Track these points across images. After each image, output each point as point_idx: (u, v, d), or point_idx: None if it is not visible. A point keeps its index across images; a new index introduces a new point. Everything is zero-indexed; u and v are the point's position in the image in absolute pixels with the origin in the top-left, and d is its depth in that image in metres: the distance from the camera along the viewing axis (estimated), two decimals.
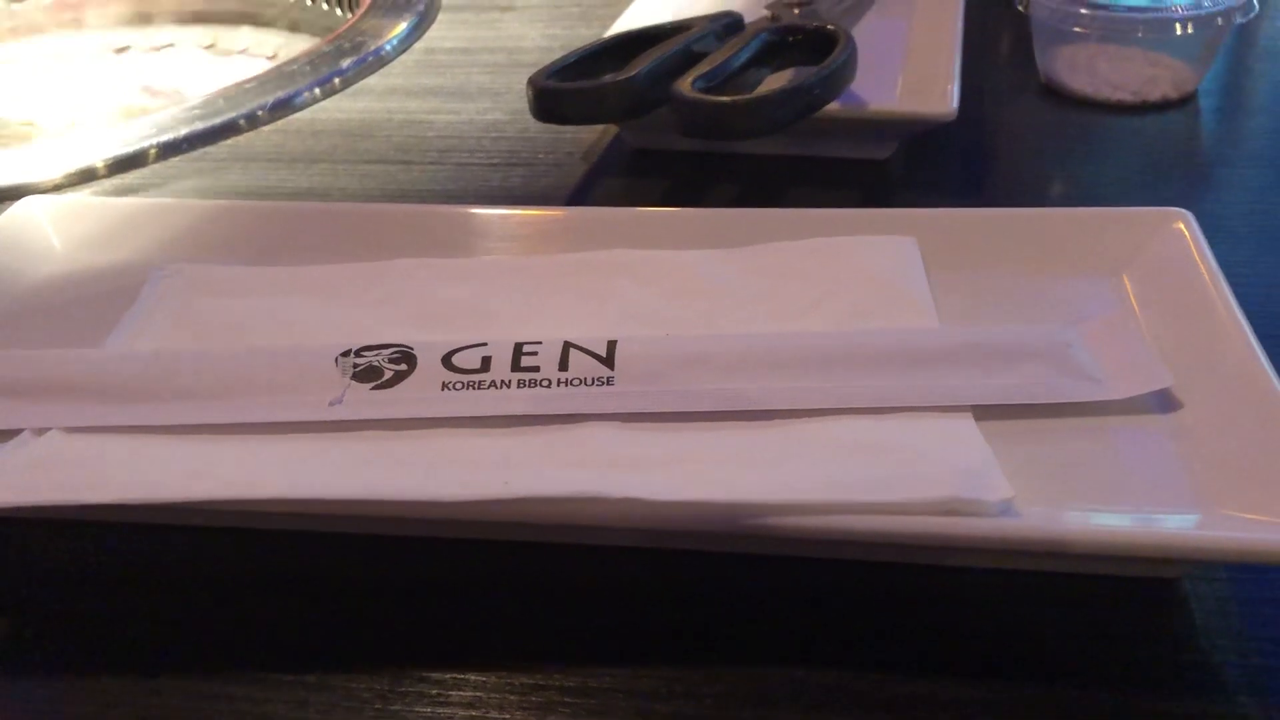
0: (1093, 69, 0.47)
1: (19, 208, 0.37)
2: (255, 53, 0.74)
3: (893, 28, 0.50)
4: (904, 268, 0.31)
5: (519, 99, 0.50)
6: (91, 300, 0.33)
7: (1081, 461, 0.25)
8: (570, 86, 0.39)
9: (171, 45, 0.76)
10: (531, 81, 0.40)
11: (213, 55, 0.73)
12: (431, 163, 0.46)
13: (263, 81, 0.52)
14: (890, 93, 0.43)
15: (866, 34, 0.46)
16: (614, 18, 0.52)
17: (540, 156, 0.45)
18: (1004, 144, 0.46)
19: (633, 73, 0.39)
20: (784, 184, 0.43)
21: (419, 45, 0.58)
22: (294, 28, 0.76)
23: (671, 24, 0.45)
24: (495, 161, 0.45)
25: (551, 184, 0.43)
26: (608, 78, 0.39)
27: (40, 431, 0.27)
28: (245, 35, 0.76)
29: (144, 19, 0.78)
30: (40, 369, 0.28)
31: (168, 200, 0.37)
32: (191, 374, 0.28)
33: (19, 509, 0.24)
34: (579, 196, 0.42)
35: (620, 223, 0.35)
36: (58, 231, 0.36)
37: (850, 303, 0.30)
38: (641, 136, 0.45)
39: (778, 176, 0.43)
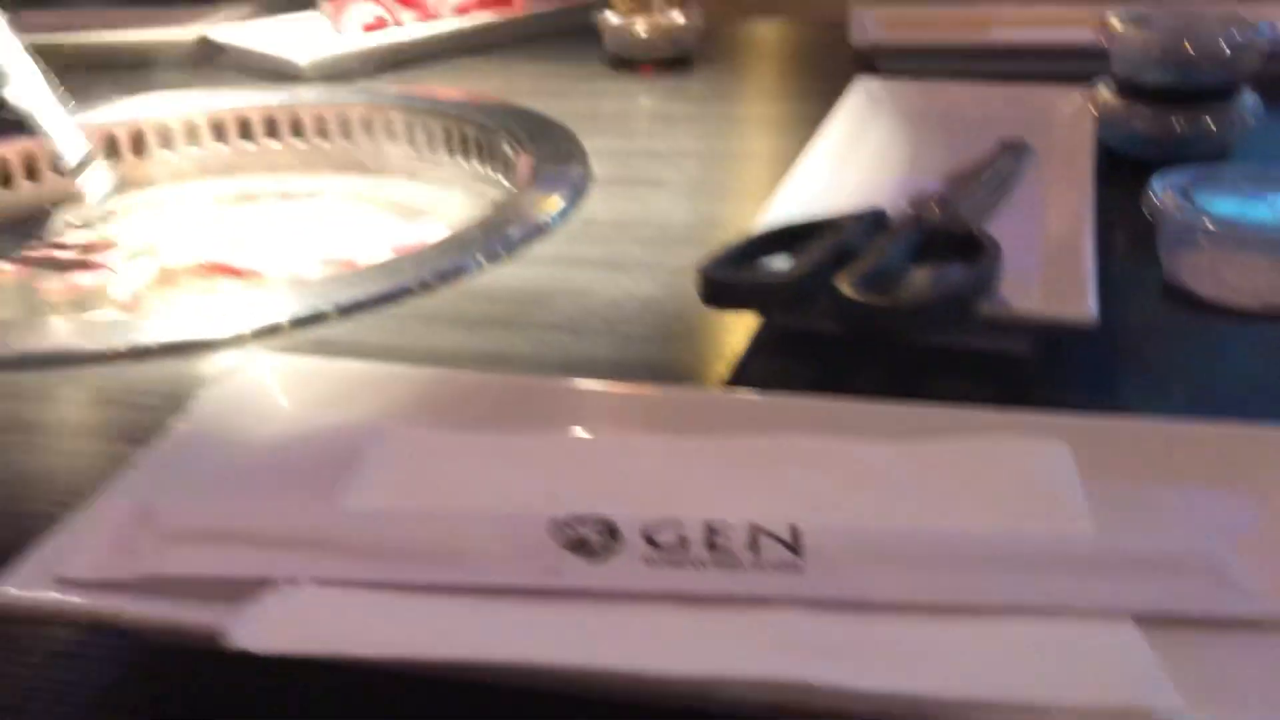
0: (1218, 275, 0.50)
1: (250, 364, 0.42)
2: (412, 205, 0.80)
3: (1027, 225, 0.53)
4: (1059, 473, 0.34)
5: (673, 273, 0.55)
6: (318, 457, 0.37)
7: (1240, 674, 0.28)
8: (739, 279, 0.44)
9: (329, 193, 0.83)
10: (702, 270, 0.44)
11: (370, 206, 0.80)
12: (599, 332, 0.50)
13: (439, 249, 0.58)
14: (1031, 293, 0.46)
15: (1002, 230, 0.49)
16: (751, 194, 0.56)
17: (698, 331, 0.49)
18: (1132, 343, 0.49)
19: (796, 270, 0.43)
20: (925, 372, 0.46)
21: (577, 216, 0.63)
22: (444, 180, 0.83)
23: (825, 219, 0.49)
24: (657, 334, 0.49)
25: (711, 359, 0.47)
26: (773, 273, 0.44)
27: (290, 581, 0.31)
28: (405, 187, 0.83)
29: (307, 166, 0.86)
30: (287, 521, 0.32)
31: (386, 366, 0.42)
32: (422, 535, 0.32)
33: (291, 656, 0.28)
34: (739, 376, 0.46)
35: (784, 410, 0.38)
36: (285, 389, 0.41)
37: (1011, 504, 0.33)
38: (794, 320, 0.49)
39: (918, 364, 0.46)
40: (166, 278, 0.66)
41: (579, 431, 0.38)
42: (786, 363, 0.47)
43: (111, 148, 0.82)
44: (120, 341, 0.49)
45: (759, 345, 0.48)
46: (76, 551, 0.31)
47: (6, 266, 0.71)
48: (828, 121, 0.67)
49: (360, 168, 0.85)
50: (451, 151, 0.82)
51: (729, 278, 0.44)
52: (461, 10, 0.99)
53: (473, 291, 0.54)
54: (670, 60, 0.92)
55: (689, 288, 0.52)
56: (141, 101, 0.85)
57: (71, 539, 0.32)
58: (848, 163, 0.63)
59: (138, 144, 0.83)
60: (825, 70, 0.92)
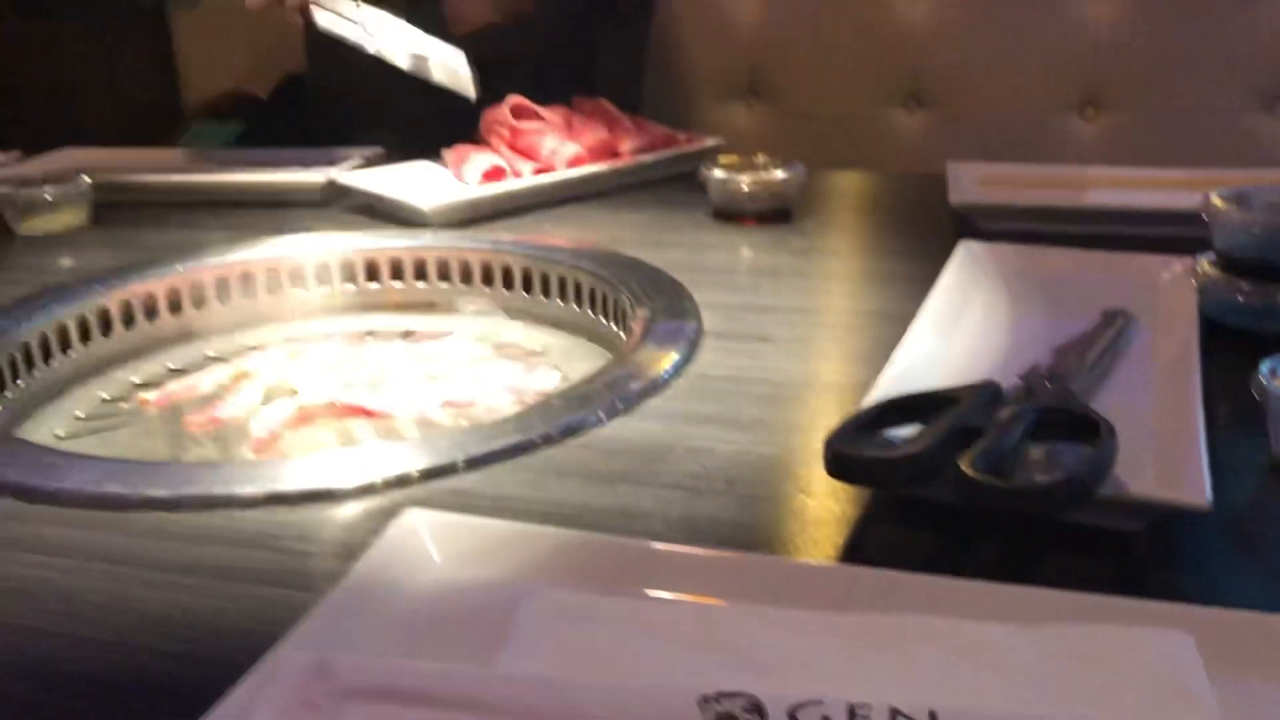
0: None
1: (404, 520, 0.45)
2: (528, 347, 0.84)
3: (1136, 401, 0.55)
4: (1186, 665, 0.35)
5: (788, 432, 0.57)
6: (473, 615, 0.40)
7: None
8: (864, 455, 0.46)
9: (450, 334, 0.88)
10: (828, 444, 0.46)
11: (487, 349, 0.84)
12: (719, 492, 0.52)
13: (563, 402, 0.61)
14: (1144, 476, 0.47)
15: (1112, 405, 0.51)
16: (859, 355, 0.59)
17: (817, 494, 0.51)
18: (1243, 524, 0.50)
19: (918, 447, 0.45)
20: (1040, 546, 0.47)
21: (691, 370, 0.66)
22: (557, 325, 0.87)
23: (942, 392, 0.51)
24: (774, 495, 0.52)
25: (829, 523, 0.49)
26: (896, 450, 0.46)
27: None
28: (521, 330, 0.87)
29: (430, 307, 0.91)
30: (452, 684, 0.35)
31: (529, 526, 0.44)
32: (577, 704, 0.34)
33: None
34: (856, 542, 0.48)
35: (908, 588, 0.40)
36: (437, 545, 0.43)
37: (1139, 695, 0.34)
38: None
39: (1033, 538, 0.48)
40: (303, 416, 0.70)
41: (714, 599, 0.40)
42: (904, 531, 0.49)
43: (248, 285, 0.88)
44: (262, 487, 0.53)
45: (877, 512, 0.50)
46: (262, 702, 0.34)
47: (151, 395, 0.76)
48: (932, 285, 0.70)
49: (479, 310, 0.89)
50: (565, 298, 0.86)
51: (854, 452, 0.46)
52: (574, 162, 1.05)
53: (595, 445, 0.57)
54: (772, 212, 0.96)
55: (805, 448, 0.55)
56: (277, 242, 0.91)
57: (257, 689, 0.34)
58: (955, 328, 0.66)
59: (273, 282, 0.89)
60: (923, 225, 0.95)
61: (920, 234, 0.92)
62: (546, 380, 0.78)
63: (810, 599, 0.40)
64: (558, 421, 0.59)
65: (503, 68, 1.21)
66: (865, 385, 0.61)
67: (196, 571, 0.47)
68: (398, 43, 1.03)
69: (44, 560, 0.48)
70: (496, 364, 0.80)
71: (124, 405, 0.75)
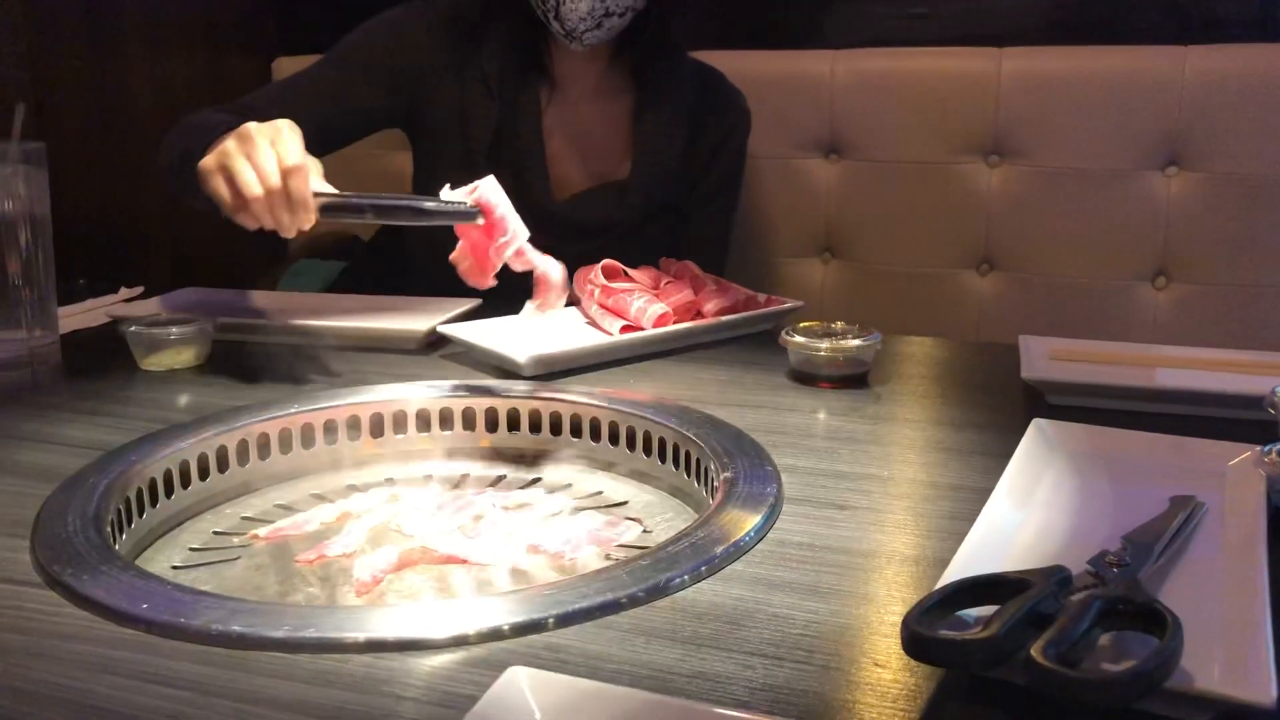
0: None
1: (508, 677, 0.48)
2: (610, 498, 0.89)
3: (1204, 592, 0.57)
4: None
5: (866, 604, 0.60)
6: None
7: None
8: (939, 637, 0.49)
9: (538, 481, 0.92)
10: (906, 624, 0.49)
11: (573, 499, 0.88)
12: (799, 661, 0.55)
13: (650, 564, 0.65)
14: (1211, 670, 0.49)
15: (1179, 595, 0.54)
16: (934, 527, 0.62)
17: (891, 668, 0.54)
18: None
19: (992, 632, 0.48)
20: None
21: (771, 535, 0.70)
22: (641, 478, 0.91)
23: (1015, 576, 0.54)
24: (852, 667, 0.54)
25: (904, 698, 0.51)
26: (972, 635, 0.49)
27: None
28: (602, 481, 0.91)
29: (517, 456, 0.96)
30: None
31: (632, 692, 0.48)
32: None
33: None
34: (929, 716, 0.50)
35: None
36: (538, 704, 0.47)
37: None
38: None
39: None
40: (403, 562, 0.75)
41: None
42: (976, 710, 0.51)
43: (354, 429, 0.94)
44: (370, 633, 0.57)
45: (950, 688, 0.52)
46: None
47: (261, 531, 0.82)
48: (1004, 459, 0.74)
49: (565, 460, 0.94)
50: (649, 452, 0.90)
51: (930, 633, 0.49)
52: (660, 321, 1.11)
53: (680, 607, 0.61)
54: (848, 377, 1.01)
55: (880, 620, 0.58)
56: (382, 389, 0.97)
57: None
58: (1027, 505, 0.69)
59: (376, 426, 0.95)
60: (996, 396, 0.99)
61: (992, 405, 0.96)
62: (629, 533, 0.81)
63: None
64: (645, 582, 0.62)
65: (599, 228, 1.29)
66: (939, 560, 0.64)
67: (313, 713, 0.51)
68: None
69: (175, 694, 0.53)
70: (582, 516, 0.84)
71: (235, 539, 0.81)
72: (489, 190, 0.95)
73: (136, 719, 0.51)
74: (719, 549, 0.66)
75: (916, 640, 0.49)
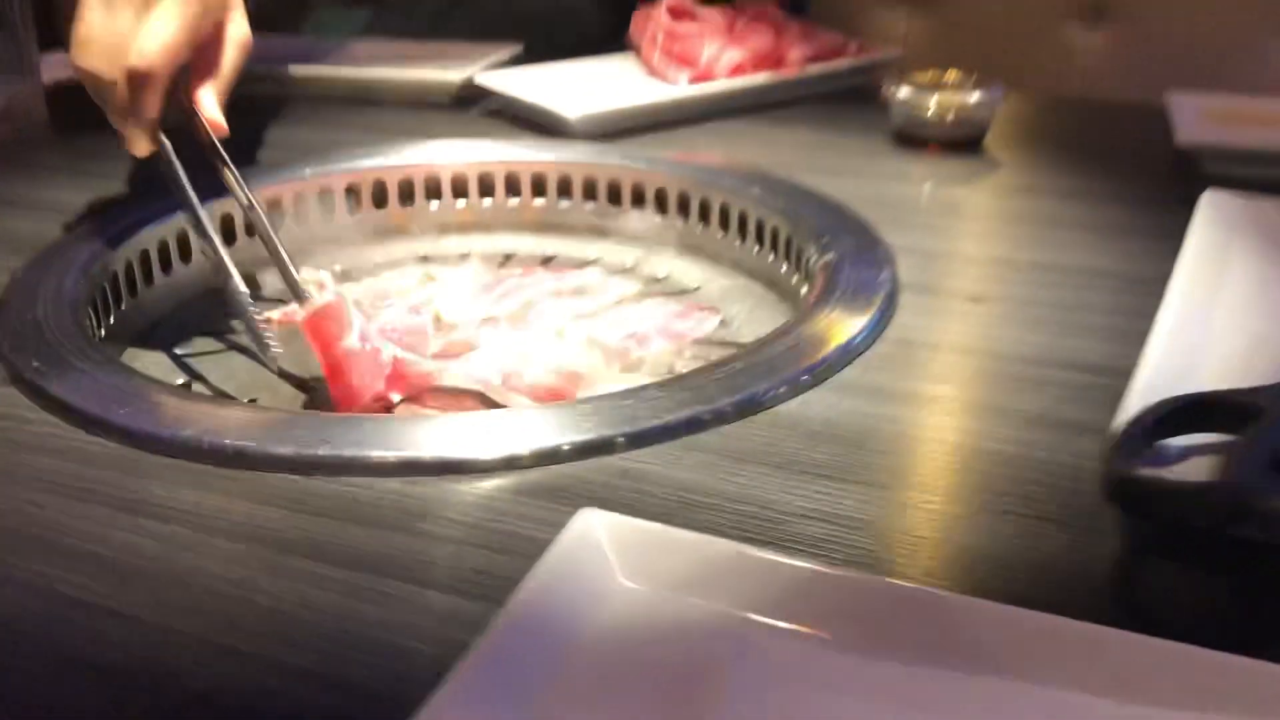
0: None
1: (580, 520, 0.37)
2: (681, 282, 0.75)
3: None
4: None
5: (1028, 425, 0.47)
6: (671, 659, 0.32)
7: None
8: (1161, 482, 0.36)
9: (595, 261, 0.79)
10: (1111, 466, 0.37)
11: (637, 282, 0.75)
12: (950, 497, 0.43)
13: (740, 365, 0.52)
14: None
15: None
16: (1091, 325, 0.50)
17: (1067, 507, 0.42)
18: None
19: (1229, 476, 0.35)
20: None
21: (889, 334, 0.56)
22: (716, 258, 0.77)
23: (1233, 395, 0.41)
24: (1016, 506, 0.42)
25: (1093, 549, 0.39)
26: (1203, 481, 0.36)
27: None
28: (674, 263, 0.78)
29: (572, 229, 0.82)
30: None
31: (734, 546, 0.36)
32: None
33: None
34: (1128, 581, 0.38)
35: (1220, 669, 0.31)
36: (621, 560, 0.35)
37: None
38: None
39: None
40: (444, 353, 0.63)
41: (982, 667, 0.31)
42: (1191, 574, 0.39)
43: (380, 195, 0.81)
44: (400, 452, 0.45)
45: (1151, 541, 0.40)
46: None
47: (275, 314, 0.70)
48: (1160, 238, 0.60)
49: (627, 236, 0.80)
50: (727, 228, 0.76)
51: (1147, 480, 0.36)
52: (735, 71, 0.94)
53: (780, 424, 0.48)
54: (962, 139, 0.85)
55: (1050, 447, 0.45)
56: (411, 149, 0.83)
57: None
58: (1216, 303, 0.55)
59: (405, 192, 0.81)
60: (1137, 164, 0.83)
61: (1135, 175, 0.80)
62: (706, 325, 0.69)
63: (1090, 672, 0.31)
64: (737, 393, 0.50)
65: None
66: (1112, 369, 0.51)
67: (329, 558, 0.40)
68: None
69: (155, 528, 0.42)
70: (649, 303, 0.71)
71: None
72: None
73: (108, 562, 0.40)
74: (826, 350, 0.53)
75: (1127, 486, 0.36)
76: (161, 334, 0.68)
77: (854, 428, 0.48)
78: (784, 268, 0.72)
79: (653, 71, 0.98)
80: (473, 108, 0.96)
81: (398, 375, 0.57)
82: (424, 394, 0.58)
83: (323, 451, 0.45)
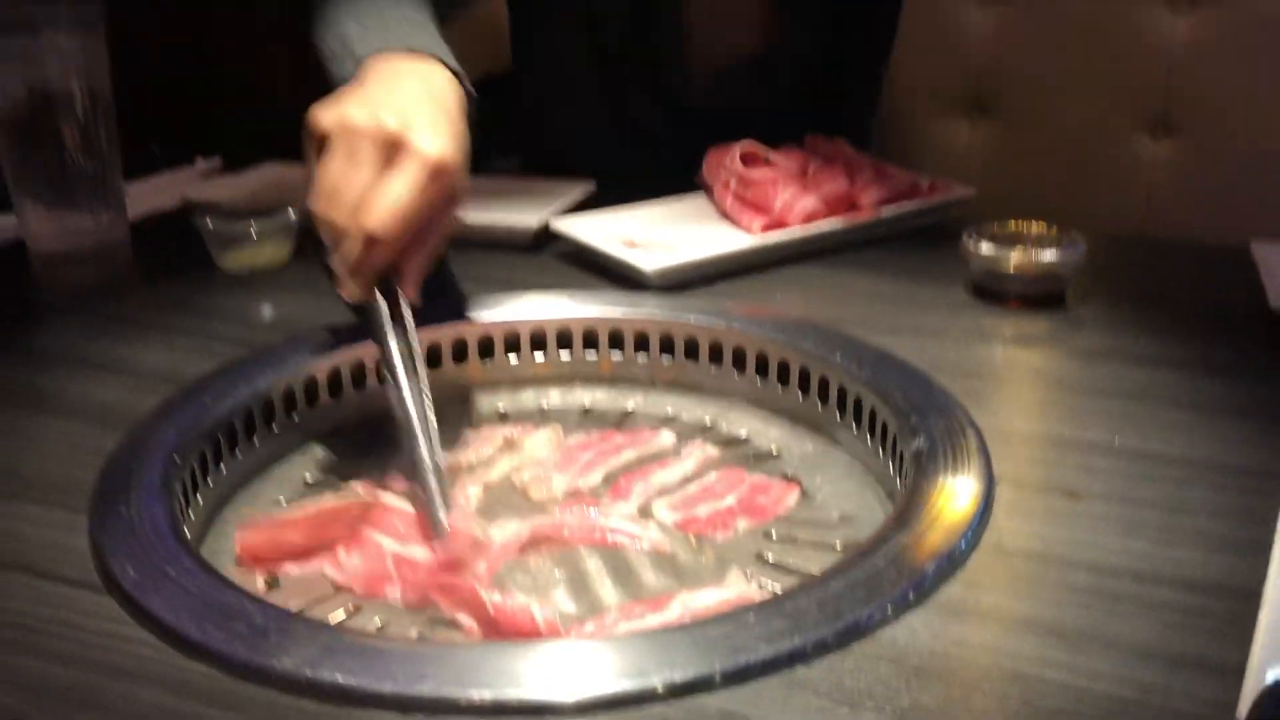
0: None
1: None
2: (758, 444, 0.75)
3: None
4: None
5: (1141, 661, 0.45)
6: None
7: None
8: None
9: (672, 419, 0.78)
10: None
11: (715, 445, 0.74)
12: None
13: (839, 582, 0.50)
14: None
15: None
16: (1208, 537, 0.47)
17: None
18: None
19: None
20: None
21: (988, 538, 0.55)
22: (793, 418, 0.76)
23: None
24: None
25: None
26: None
27: None
28: (746, 419, 0.77)
29: (627, 380, 0.82)
30: None
31: None
32: None
33: None
34: None
35: None
36: None
37: None
38: None
39: None
40: (533, 537, 0.62)
41: None
42: None
43: (461, 351, 0.81)
44: (493, 692, 0.44)
45: None
46: None
47: (359, 481, 0.70)
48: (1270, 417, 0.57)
49: (705, 390, 0.80)
50: (806, 391, 0.75)
51: None
52: (809, 218, 0.94)
53: (887, 655, 0.47)
54: (1043, 295, 0.84)
55: (1158, 688, 0.44)
56: (492, 301, 0.83)
57: None
58: None
59: (485, 348, 0.82)
60: (1233, 320, 0.81)
61: (1227, 338, 0.78)
62: (788, 499, 0.68)
63: None
64: (839, 618, 0.48)
65: (741, 118, 1.08)
66: (1223, 587, 0.49)
67: None
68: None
69: None
70: (729, 474, 0.70)
71: (330, 493, 0.69)
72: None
73: None
74: (928, 565, 0.52)
75: None
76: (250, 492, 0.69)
77: (960, 662, 0.46)
78: (869, 440, 0.70)
79: (725, 215, 0.99)
80: (551, 248, 0.97)
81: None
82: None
83: (424, 690, 0.45)
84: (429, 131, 0.67)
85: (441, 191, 0.68)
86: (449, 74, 0.77)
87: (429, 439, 0.63)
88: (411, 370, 0.66)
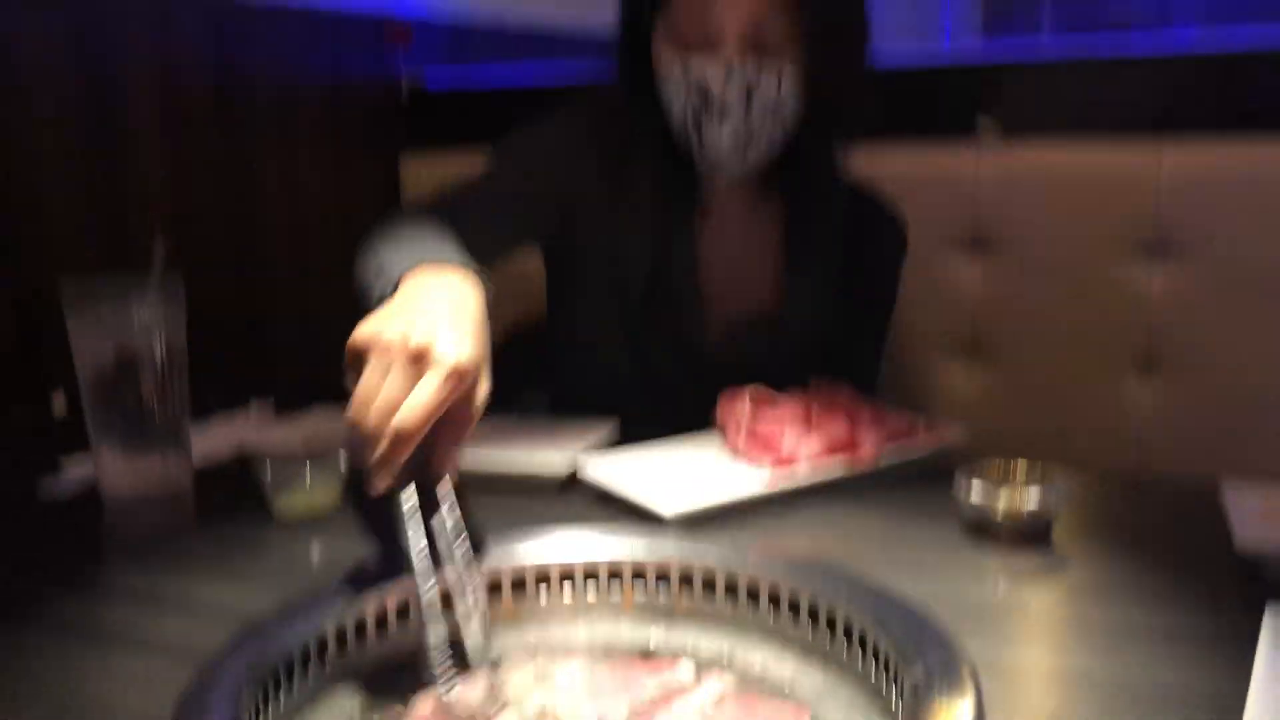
0: None
1: None
2: (773, 678, 0.80)
3: None
4: None
5: None
6: None
7: None
8: None
9: (691, 654, 0.84)
10: None
11: (731, 678, 0.80)
12: None
13: None
14: None
15: None
16: None
17: None
18: None
19: None
20: None
21: None
22: (805, 651, 0.82)
23: None
24: None
25: None
26: None
27: None
28: (760, 653, 0.83)
29: (648, 611, 0.88)
30: None
31: None
32: None
33: None
34: None
35: None
36: None
37: None
38: None
39: None
40: None
41: None
42: None
43: (495, 588, 0.88)
44: None
45: None
46: None
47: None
48: (1229, 649, 0.64)
49: (722, 623, 0.86)
50: (816, 623, 0.82)
51: None
52: (814, 457, 1.03)
53: None
54: (1030, 533, 0.91)
55: None
56: (523, 539, 0.91)
57: None
58: None
59: (518, 585, 0.89)
60: (1196, 557, 0.88)
61: (1201, 574, 0.85)
62: None
63: None
64: None
65: (753, 370, 1.20)
66: None
67: None
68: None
69: None
70: (748, 706, 0.76)
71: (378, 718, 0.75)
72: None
73: None
74: None
75: None
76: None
77: None
78: (874, 672, 0.76)
79: (737, 454, 1.08)
80: (578, 489, 1.06)
81: None
82: None
83: None
84: (451, 340, 0.78)
85: (463, 389, 0.78)
86: (471, 278, 0.89)
87: (470, 609, 0.76)
88: (450, 552, 0.78)
